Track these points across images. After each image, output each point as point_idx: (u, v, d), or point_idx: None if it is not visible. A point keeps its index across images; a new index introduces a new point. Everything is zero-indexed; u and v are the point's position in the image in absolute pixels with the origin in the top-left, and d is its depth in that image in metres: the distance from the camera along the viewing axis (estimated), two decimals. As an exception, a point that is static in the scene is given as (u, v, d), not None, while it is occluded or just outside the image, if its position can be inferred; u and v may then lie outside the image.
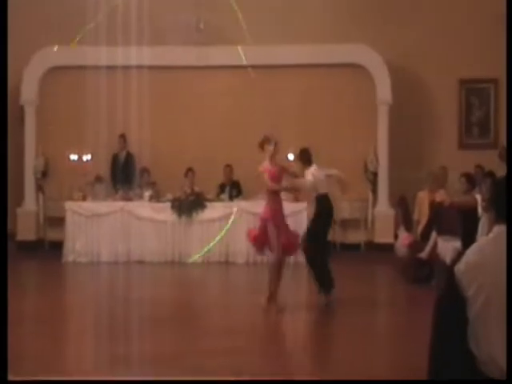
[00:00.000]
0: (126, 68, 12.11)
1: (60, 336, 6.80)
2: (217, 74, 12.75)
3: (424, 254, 9.16)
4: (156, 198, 11.66)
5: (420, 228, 10.23)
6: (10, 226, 12.00)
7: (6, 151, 3.90)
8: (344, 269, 10.43)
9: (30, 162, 12.67)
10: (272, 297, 7.71)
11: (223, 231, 11.17)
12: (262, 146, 8.01)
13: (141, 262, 11.04)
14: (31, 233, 12.66)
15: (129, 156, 12.50)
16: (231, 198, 11.60)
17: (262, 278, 10.12)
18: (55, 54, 12.66)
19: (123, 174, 12.23)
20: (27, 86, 12.67)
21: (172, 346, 6.32)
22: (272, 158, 7.95)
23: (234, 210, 11.16)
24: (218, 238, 11.14)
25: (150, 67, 12.15)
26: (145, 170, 12.13)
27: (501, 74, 11.89)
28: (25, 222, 12.59)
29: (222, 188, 11.91)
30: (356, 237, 12.56)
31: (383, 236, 12.04)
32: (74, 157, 11.97)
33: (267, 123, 11.97)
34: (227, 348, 6.12)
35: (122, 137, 12.43)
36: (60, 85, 12.62)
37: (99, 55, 11.97)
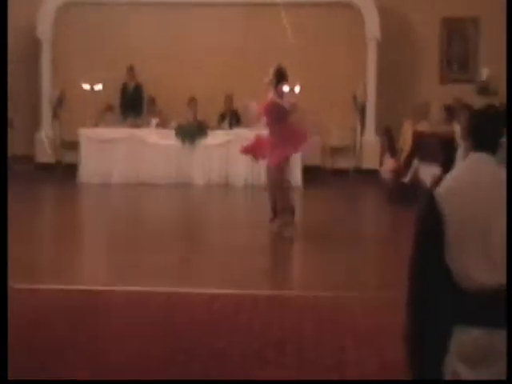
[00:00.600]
0: (136, 4, 11.89)
1: (71, 248, 6.80)
2: (218, 12, 12.41)
3: (407, 179, 9.24)
4: (162, 125, 11.57)
5: (403, 155, 10.19)
6: (29, 149, 12.45)
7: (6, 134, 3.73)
8: (335, 191, 10.85)
9: (47, 92, 12.52)
10: (274, 217, 7.27)
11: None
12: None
13: (149, 184, 11.03)
14: (48, 156, 12.54)
15: (137, 86, 12.29)
16: (231, 126, 11.45)
17: (256, 198, 10.35)
18: None
19: (132, 103, 12.07)
20: (43, 19, 12.40)
21: (173, 257, 6.31)
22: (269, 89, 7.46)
23: (233, 136, 11.09)
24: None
25: (159, 3, 11.90)
26: (151, 100, 12.02)
27: (480, 12, 11.77)
28: (42, 146, 12.53)
29: (222, 117, 11.73)
30: (345, 163, 12.51)
31: (370, 162, 12.00)
32: (86, 86, 11.86)
33: (262, 59, 11.60)
34: (221, 262, 6.17)
35: (131, 68, 12.21)
36: (74, 19, 12.45)
37: None
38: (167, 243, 6.94)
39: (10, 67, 11.73)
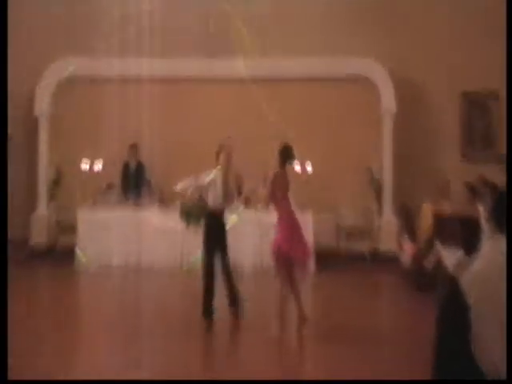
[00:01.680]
0: (137, 79, 12.13)
1: (71, 342, 6.75)
2: (224, 86, 12.74)
3: (428, 263, 9.14)
4: (165, 204, 11.54)
5: (423, 237, 10.16)
6: (23, 231, 12.49)
7: (6, 154, 3.89)
8: (350, 278, 10.69)
9: (43, 171, 12.83)
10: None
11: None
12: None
13: (151, 269, 11.00)
14: (43, 238, 12.71)
15: (139, 165, 12.56)
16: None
17: (269, 285, 10.23)
18: (68, 66, 12.66)
19: (134, 183, 12.25)
20: (41, 97, 12.77)
21: (181, 359, 6.20)
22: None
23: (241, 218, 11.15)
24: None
25: (161, 79, 12.17)
26: (149, 183, 12.29)
27: (501, 86, 11.90)
28: (38, 228, 12.69)
29: None
30: (361, 245, 12.49)
31: (388, 244, 11.97)
32: (85, 166, 12.07)
33: (274, 135, 11.61)
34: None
35: (134, 146, 12.46)
36: (73, 96, 12.71)
37: (111, 66, 12.03)
38: (171, 339, 6.81)
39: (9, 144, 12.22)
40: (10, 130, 11.72)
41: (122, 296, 9.37)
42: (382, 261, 11.73)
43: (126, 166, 12.60)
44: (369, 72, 12.53)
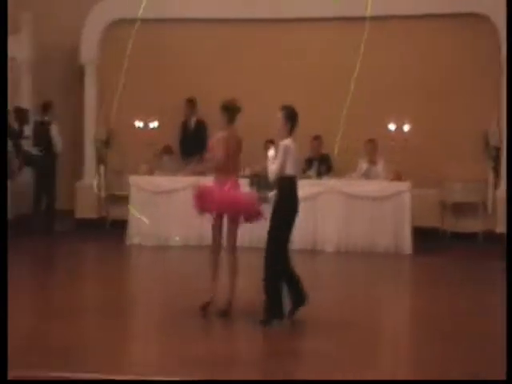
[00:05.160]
0: (195, 21, 12.39)
1: (119, 332, 6.91)
2: (297, 28, 12.96)
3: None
4: None
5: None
6: (68, 202, 13.10)
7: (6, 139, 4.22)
8: (454, 265, 10.59)
9: (91, 130, 13.29)
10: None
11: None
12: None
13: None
14: (92, 210, 13.30)
15: (199, 123, 12.70)
16: (319, 174, 11.77)
17: (353, 268, 10.45)
18: (116, 6, 13.12)
19: (194, 145, 12.33)
20: (87, 42, 13.14)
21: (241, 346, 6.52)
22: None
23: (323, 188, 11.37)
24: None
25: (221, 20, 12.42)
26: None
27: None
28: (84, 198, 13.22)
29: (308, 163, 11.99)
30: (472, 225, 12.52)
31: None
32: (139, 124, 12.28)
33: (358, 88, 11.89)
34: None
35: (191, 101, 12.60)
36: (123, 41, 12.72)
37: (167, 5, 12.37)
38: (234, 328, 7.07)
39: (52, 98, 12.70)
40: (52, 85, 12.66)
41: (182, 278, 9.56)
42: (498, 244, 11.30)
43: (183, 125, 12.80)
44: (488, 8, 12.39)
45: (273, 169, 7.03)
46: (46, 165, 12.40)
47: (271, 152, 7.14)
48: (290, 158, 7.03)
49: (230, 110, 7.55)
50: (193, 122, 12.93)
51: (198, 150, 11.86)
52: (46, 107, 12.71)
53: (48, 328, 6.63)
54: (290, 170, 7.07)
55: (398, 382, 4.66)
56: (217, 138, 7.42)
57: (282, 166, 6.98)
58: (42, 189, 12.65)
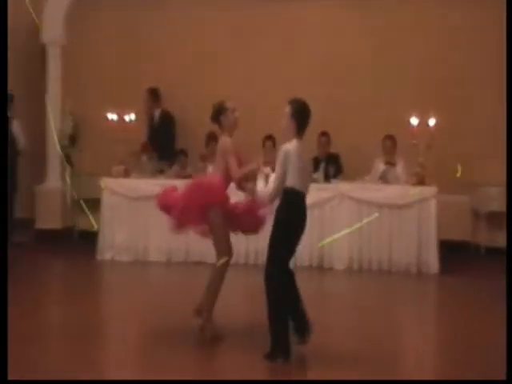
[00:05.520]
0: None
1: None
2: (306, 9, 12.65)
3: None
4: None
5: None
6: (27, 209, 12.82)
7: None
8: (489, 286, 10.06)
9: (55, 124, 12.82)
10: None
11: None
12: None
13: (200, 263, 10.65)
14: (56, 219, 12.91)
15: (164, 115, 12.58)
16: (327, 177, 11.27)
17: (367, 289, 10.03)
18: None
19: (160, 140, 12.31)
20: (50, 20, 12.84)
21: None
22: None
23: (331, 194, 10.94)
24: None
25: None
26: (212, 136, 11.54)
27: None
28: (47, 205, 12.88)
29: (315, 164, 11.35)
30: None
31: None
32: (112, 116, 11.72)
33: (375, 76, 12.31)
34: None
35: (153, 91, 12.59)
36: (92, 19, 12.93)
37: None
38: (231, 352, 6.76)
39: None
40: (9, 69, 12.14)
41: (162, 303, 9.02)
42: None
43: (148, 119, 12.73)
44: None
45: (269, 190, 6.77)
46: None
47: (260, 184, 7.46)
48: (292, 166, 6.52)
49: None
50: (157, 114, 12.72)
51: (166, 147, 12.18)
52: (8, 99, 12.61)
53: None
54: (290, 182, 6.55)
55: (398, 381, 4.66)
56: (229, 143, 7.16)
57: (280, 182, 6.55)
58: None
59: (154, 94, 12.64)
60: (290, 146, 6.50)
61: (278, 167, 6.51)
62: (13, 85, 12.35)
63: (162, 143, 12.26)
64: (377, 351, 6.92)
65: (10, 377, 5.44)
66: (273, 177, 6.83)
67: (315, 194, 10.05)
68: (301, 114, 6.55)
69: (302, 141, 6.57)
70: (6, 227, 4.53)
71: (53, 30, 12.85)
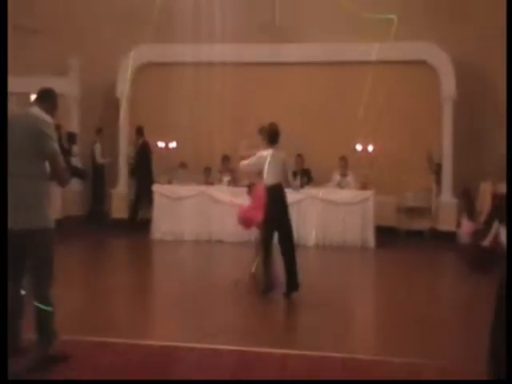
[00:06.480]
0: (209, 64, 12.10)
1: (139, 304, 6.78)
2: (290, 70, 12.61)
3: (486, 242, 8.88)
4: (234, 183, 11.61)
5: (482, 217, 9.84)
6: (107, 205, 12.83)
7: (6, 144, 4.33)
8: (408, 255, 10.39)
9: (124, 149, 12.92)
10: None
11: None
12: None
13: (219, 241, 11.01)
14: (123, 211, 12.86)
15: (144, 146, 12.42)
16: (302, 185, 11.28)
17: (328, 260, 10.15)
18: (147, 51, 12.81)
19: (140, 166, 12.36)
20: (122, 80, 12.76)
21: (247, 318, 6.25)
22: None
23: (305, 196, 11.03)
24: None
25: (230, 63, 12.10)
26: (225, 157, 11.98)
27: None
28: (118, 202, 12.88)
29: (293, 175, 11.35)
30: (421, 224, 12.24)
31: (446, 224, 11.72)
32: (161, 144, 12.05)
33: (334, 116, 12.23)
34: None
35: (139, 129, 12.45)
36: (151, 79, 12.88)
37: (185, 52, 12.15)
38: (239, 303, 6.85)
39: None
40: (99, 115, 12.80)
41: (194, 264, 9.46)
42: (440, 239, 11.50)
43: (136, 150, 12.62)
44: (429, 57, 12.23)
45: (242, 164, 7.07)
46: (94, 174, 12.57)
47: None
48: (268, 166, 6.78)
49: (265, 132, 7.16)
50: (139, 145, 12.63)
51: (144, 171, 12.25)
52: (98, 131, 12.97)
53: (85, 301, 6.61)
54: (268, 179, 6.84)
55: (398, 381, 4.31)
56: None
57: (246, 166, 6.99)
58: (95, 193, 12.95)
59: (140, 131, 12.46)
60: (265, 151, 6.89)
61: (252, 158, 6.92)
62: (100, 123, 12.92)
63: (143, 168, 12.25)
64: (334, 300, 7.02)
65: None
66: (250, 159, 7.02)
67: (293, 196, 9.87)
68: (266, 132, 7.00)
69: (276, 148, 6.76)
70: (6, 225, 4.08)
71: (124, 86, 12.62)
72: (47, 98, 4.62)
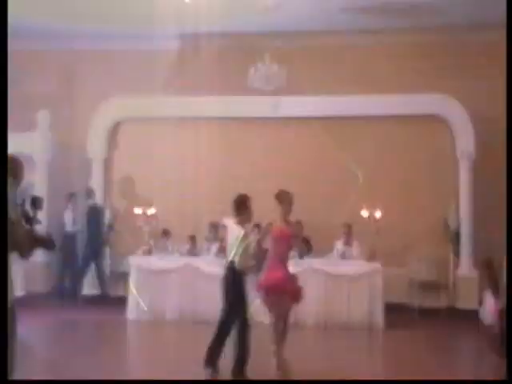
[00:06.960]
0: (193, 119, 11.75)
1: None
2: (290, 125, 12.11)
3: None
4: (223, 253, 10.61)
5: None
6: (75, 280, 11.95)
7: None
8: (422, 337, 9.57)
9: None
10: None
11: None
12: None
13: (207, 322, 9.69)
14: (95, 287, 12.05)
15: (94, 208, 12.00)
16: (301, 255, 10.43)
17: (330, 343, 9.29)
18: (121, 107, 12.40)
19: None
20: (94, 139, 12.34)
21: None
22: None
23: (304, 268, 10.09)
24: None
25: (217, 118, 11.69)
26: (213, 224, 11.13)
27: None
28: (90, 276, 12.06)
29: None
30: (436, 301, 11.46)
31: (466, 301, 11.01)
32: (138, 211, 11.21)
33: (339, 176, 11.73)
34: None
35: (90, 191, 12.05)
36: (126, 137, 12.49)
37: (165, 106, 11.70)
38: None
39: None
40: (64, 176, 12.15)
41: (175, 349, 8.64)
42: (459, 318, 10.76)
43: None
44: (444, 111, 11.68)
45: None
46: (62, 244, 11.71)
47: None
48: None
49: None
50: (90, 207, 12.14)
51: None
52: (69, 196, 12.33)
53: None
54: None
55: (398, 381, 4.00)
56: None
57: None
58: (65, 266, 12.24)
59: (90, 193, 12.01)
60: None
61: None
62: (68, 186, 12.23)
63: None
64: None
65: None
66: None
67: (292, 268, 9.09)
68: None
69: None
70: (6, 225, 3.99)
71: (96, 148, 12.29)
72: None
